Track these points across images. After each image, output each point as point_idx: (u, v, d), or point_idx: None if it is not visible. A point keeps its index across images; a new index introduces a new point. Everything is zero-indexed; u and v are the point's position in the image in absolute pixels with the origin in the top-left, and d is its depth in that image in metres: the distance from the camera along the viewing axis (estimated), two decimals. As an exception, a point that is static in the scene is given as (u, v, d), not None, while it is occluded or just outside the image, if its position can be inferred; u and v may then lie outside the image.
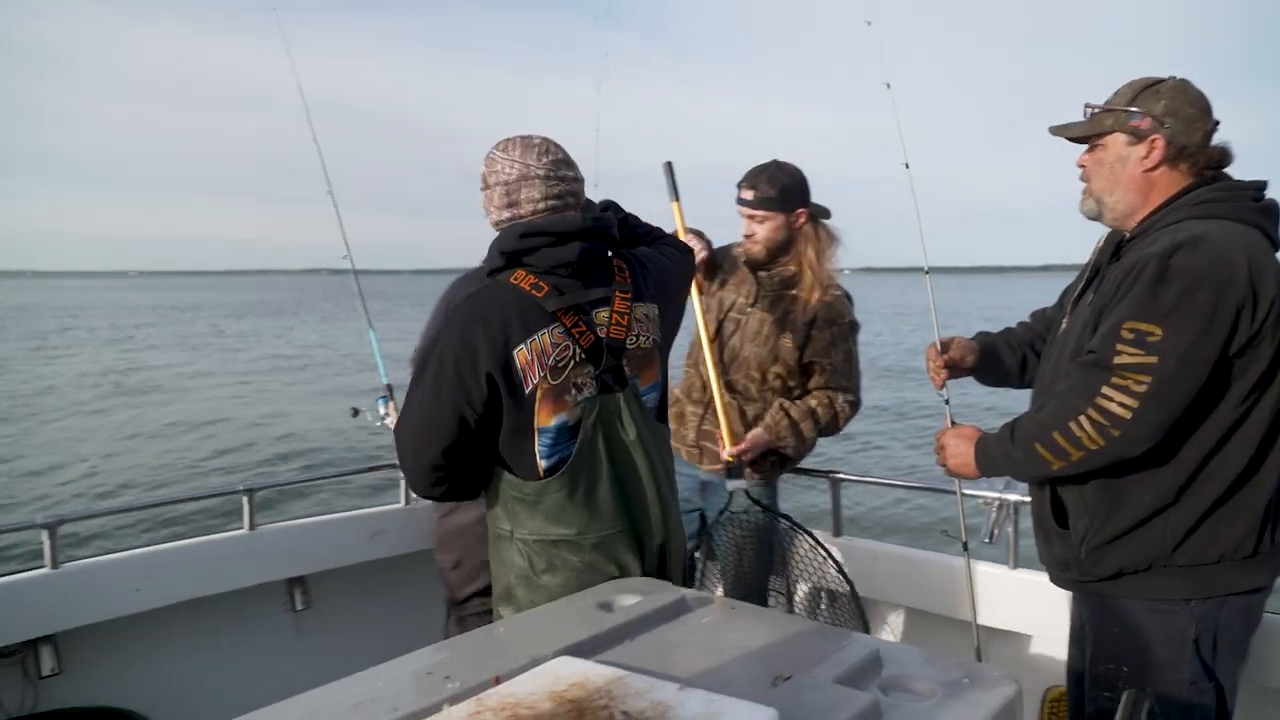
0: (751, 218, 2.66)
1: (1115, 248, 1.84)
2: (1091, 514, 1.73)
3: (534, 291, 1.62)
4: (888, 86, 2.45)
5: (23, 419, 14.58)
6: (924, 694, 1.19)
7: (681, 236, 2.57)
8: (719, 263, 2.81)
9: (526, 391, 1.61)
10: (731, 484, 2.57)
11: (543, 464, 1.66)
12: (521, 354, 1.60)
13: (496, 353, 1.59)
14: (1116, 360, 1.62)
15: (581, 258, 1.64)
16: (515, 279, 1.63)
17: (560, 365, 1.63)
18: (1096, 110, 1.80)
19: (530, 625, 1.44)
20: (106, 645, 2.45)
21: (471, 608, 2.82)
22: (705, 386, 2.66)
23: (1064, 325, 1.90)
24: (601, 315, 1.69)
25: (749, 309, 2.72)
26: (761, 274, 2.72)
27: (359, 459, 9.54)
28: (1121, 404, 1.60)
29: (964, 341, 2.16)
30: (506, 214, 1.67)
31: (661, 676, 1.17)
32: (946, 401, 2.19)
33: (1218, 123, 1.76)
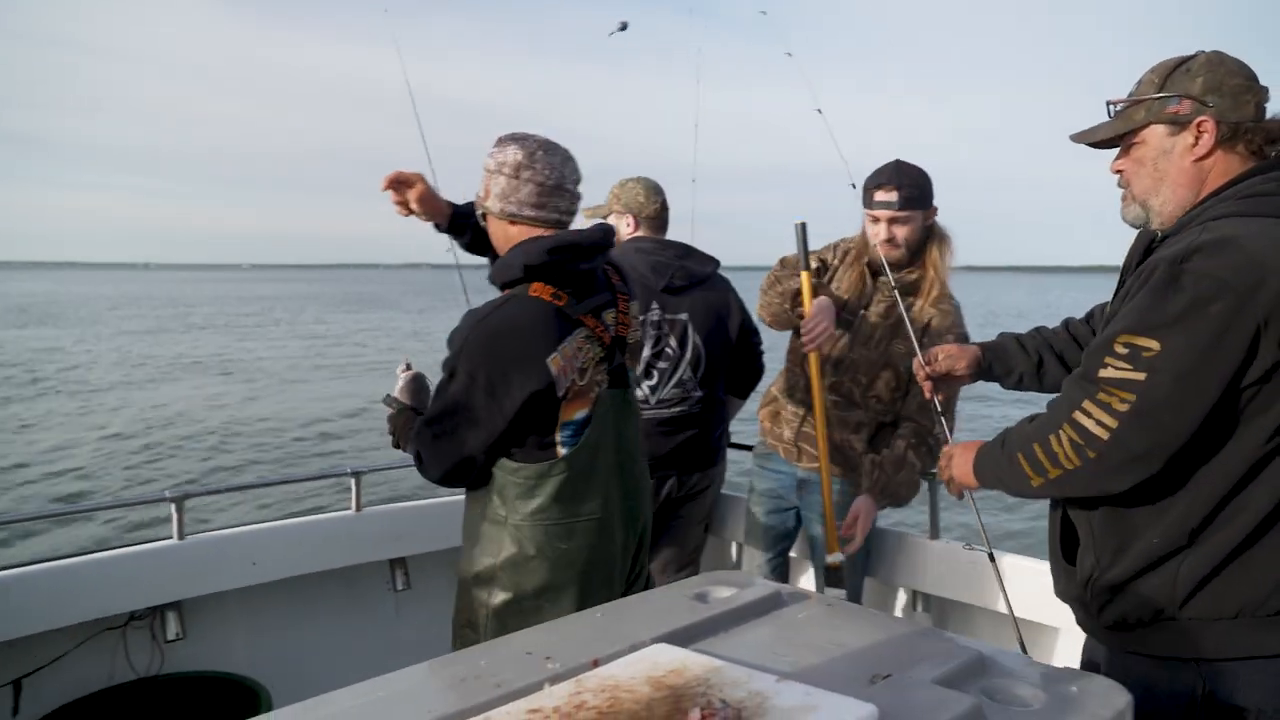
0: (893, 220, 2.51)
1: (1146, 247, 1.62)
2: (1098, 551, 1.55)
3: (555, 301, 1.74)
4: (819, 111, 2.72)
5: (149, 398, 15.61)
6: (1029, 700, 1.16)
7: (808, 307, 2.48)
8: (829, 261, 2.73)
9: (560, 393, 1.74)
10: (830, 558, 2.52)
11: (563, 451, 1.79)
12: (556, 361, 1.72)
13: (535, 364, 1.70)
14: (1101, 374, 1.43)
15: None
16: (535, 291, 1.74)
17: (584, 366, 1.77)
18: (1123, 105, 1.58)
19: (627, 612, 1.46)
20: (224, 614, 2.60)
21: None
22: (809, 388, 2.59)
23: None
24: (609, 316, 1.85)
25: (862, 311, 2.62)
26: (881, 278, 2.59)
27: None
28: (1099, 423, 1.41)
29: (954, 349, 2.03)
30: (530, 212, 1.78)
31: (758, 668, 1.17)
32: (939, 412, 2.16)
33: (1267, 90, 1.50)
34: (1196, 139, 1.51)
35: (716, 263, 2.88)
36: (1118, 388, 1.41)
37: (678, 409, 2.79)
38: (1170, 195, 1.55)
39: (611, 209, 2.96)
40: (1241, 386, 1.38)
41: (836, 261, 2.70)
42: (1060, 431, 1.47)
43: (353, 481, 2.74)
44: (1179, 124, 1.52)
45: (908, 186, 2.49)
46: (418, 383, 2.01)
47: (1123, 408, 1.40)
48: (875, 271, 2.61)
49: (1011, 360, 1.97)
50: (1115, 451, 1.42)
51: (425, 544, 2.91)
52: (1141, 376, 1.39)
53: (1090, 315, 1.94)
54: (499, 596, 1.82)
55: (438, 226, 2.08)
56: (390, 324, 37.28)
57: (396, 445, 1.96)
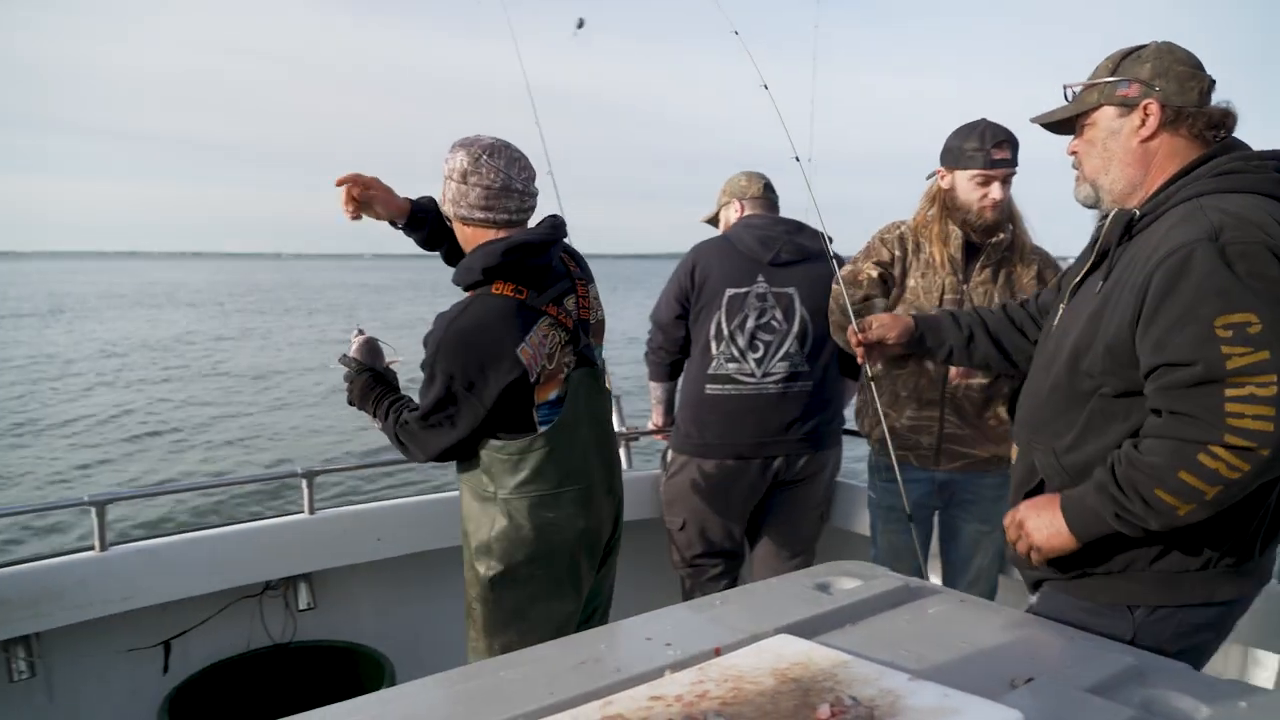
0: (1006, 180, 2.40)
1: (1126, 227, 1.61)
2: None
3: (517, 295, 1.86)
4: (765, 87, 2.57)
5: (285, 381, 16.54)
6: (1192, 715, 1.07)
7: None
8: (893, 256, 2.52)
9: (532, 379, 1.86)
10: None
11: (542, 429, 1.91)
12: (525, 351, 1.84)
13: (506, 357, 1.82)
14: (1229, 365, 1.37)
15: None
16: (497, 289, 1.86)
17: (552, 351, 1.89)
18: (1079, 89, 1.66)
19: (748, 601, 1.43)
20: (351, 587, 2.70)
21: (705, 569, 2.87)
22: (934, 384, 2.45)
23: (1060, 314, 1.69)
24: (569, 301, 1.96)
25: (963, 287, 2.46)
26: (992, 241, 2.45)
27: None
28: (1257, 416, 1.35)
29: (887, 319, 2.08)
30: (480, 214, 1.88)
31: (887, 665, 1.12)
32: (871, 379, 2.36)
33: (1213, 80, 1.58)
34: (1143, 120, 1.59)
35: (829, 239, 2.79)
36: (1252, 373, 1.36)
37: (786, 384, 2.74)
38: (1119, 174, 1.63)
39: (720, 202, 3.01)
40: None
41: (900, 251, 2.52)
42: (1214, 447, 1.39)
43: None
44: (1128, 106, 1.60)
45: (1013, 143, 2.40)
46: (370, 345, 2.11)
47: (1270, 390, 1.35)
48: (973, 238, 2.46)
49: (944, 333, 2.03)
50: None
51: None
52: (1266, 354, 1.36)
53: (1027, 301, 1.99)
54: (494, 568, 1.94)
55: (394, 224, 2.12)
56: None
57: (351, 403, 2.09)
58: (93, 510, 2.24)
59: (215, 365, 18.85)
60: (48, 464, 10.03)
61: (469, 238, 1.93)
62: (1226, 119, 1.58)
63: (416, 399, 1.94)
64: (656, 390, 3.11)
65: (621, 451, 3.15)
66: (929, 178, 2.54)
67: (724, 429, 2.72)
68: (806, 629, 1.28)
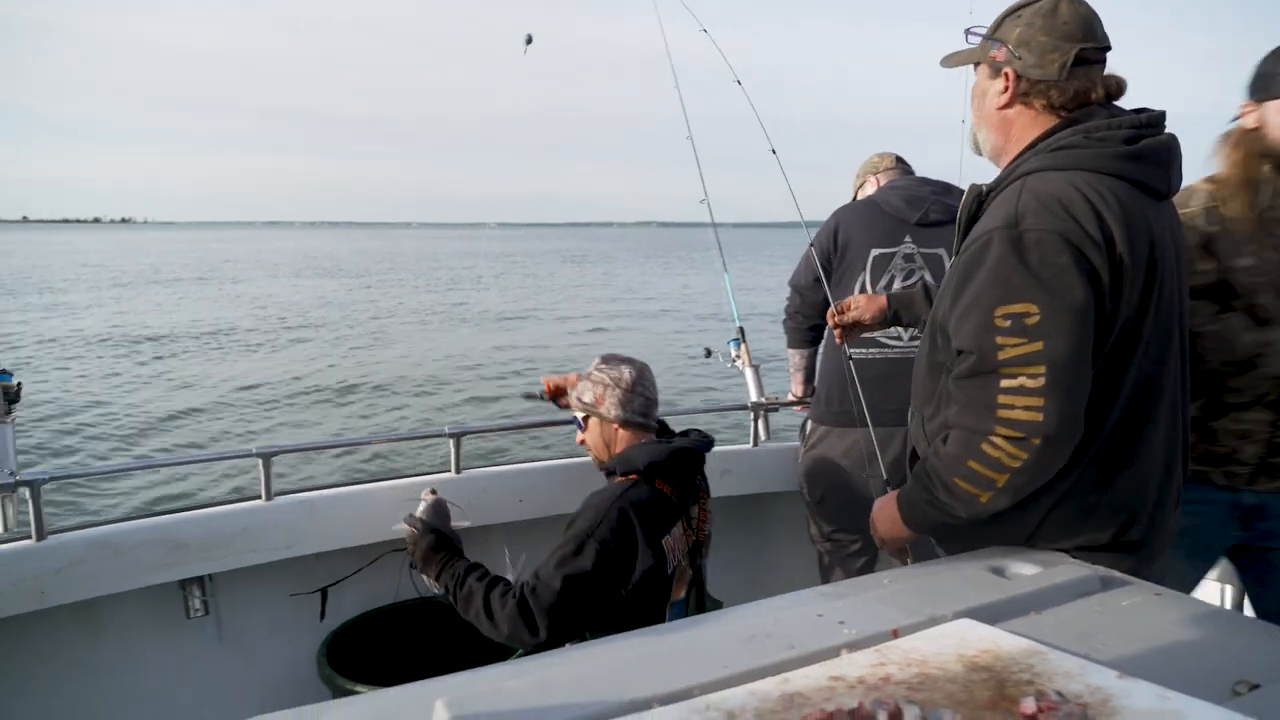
0: None
1: (977, 201, 1.59)
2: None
3: (672, 496, 2.03)
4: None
5: (416, 341, 17.34)
6: None
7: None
8: (1207, 228, 1.98)
9: (669, 571, 1.98)
10: None
11: None
12: (668, 541, 1.98)
13: (654, 543, 1.93)
14: (1001, 356, 1.39)
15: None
16: (660, 485, 2.01)
17: (682, 551, 2.03)
18: (974, 36, 1.62)
19: (919, 582, 1.35)
20: (493, 545, 2.75)
21: (845, 545, 2.80)
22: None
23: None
24: (695, 511, 2.12)
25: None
26: None
27: (711, 398, 10.28)
28: (1027, 407, 1.37)
29: (863, 300, 2.10)
30: (639, 419, 2.14)
31: (1083, 658, 1.03)
32: (849, 358, 2.46)
33: (1086, 49, 1.50)
34: (1004, 88, 1.56)
35: None
36: (1022, 364, 1.38)
37: None
38: (986, 136, 1.62)
39: (855, 185, 3.04)
40: (1103, 317, 1.41)
41: (1214, 226, 1.98)
42: (991, 436, 1.41)
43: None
44: (995, 70, 1.58)
45: None
46: (439, 506, 2.19)
47: (1039, 382, 1.37)
48: None
49: (917, 309, 2.04)
50: (1057, 427, 1.37)
51: None
52: (1039, 346, 1.37)
53: None
54: None
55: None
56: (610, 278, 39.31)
57: (413, 565, 2.14)
58: (259, 462, 2.36)
59: (374, 332, 19.77)
60: (211, 420, 10.84)
61: (621, 436, 2.14)
62: (1092, 92, 1.51)
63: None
64: (795, 358, 3.04)
65: (759, 424, 3.10)
66: (1232, 122, 2.01)
67: (868, 395, 2.62)
68: (987, 615, 1.19)
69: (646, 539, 1.91)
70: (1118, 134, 1.47)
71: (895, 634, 1.13)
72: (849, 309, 2.11)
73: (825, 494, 2.80)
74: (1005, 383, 1.39)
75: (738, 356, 3.25)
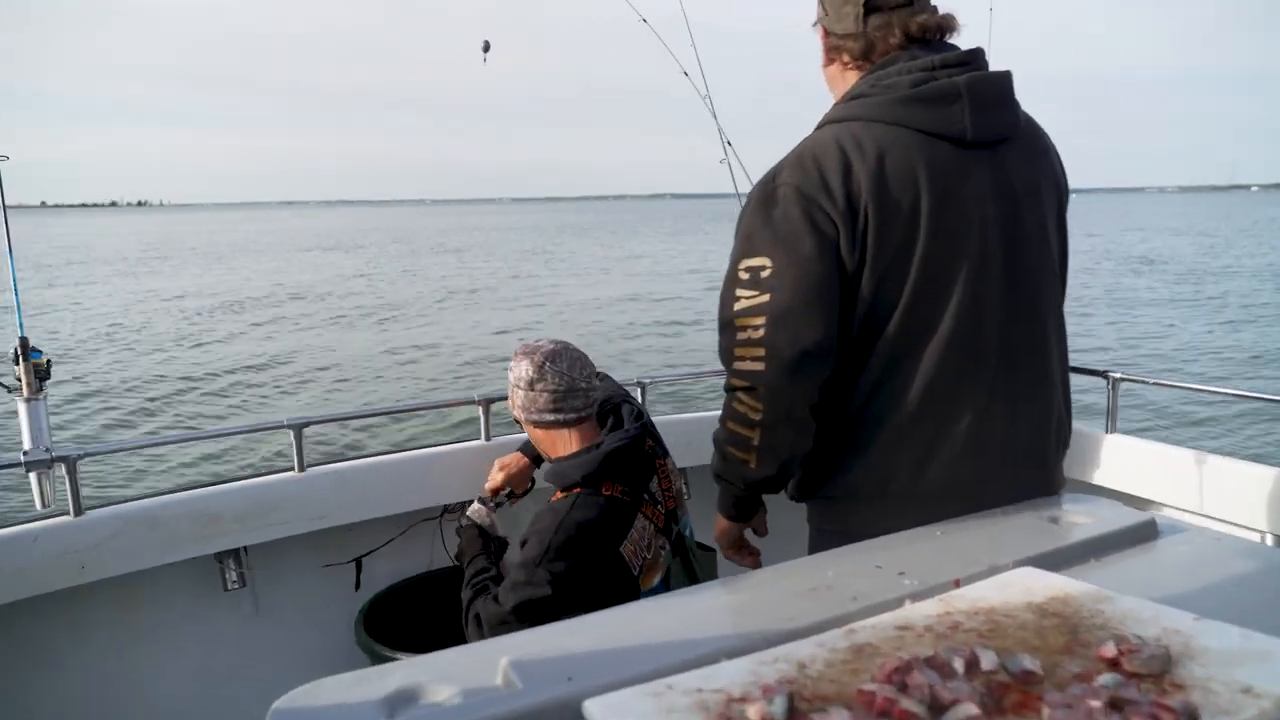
0: None
1: None
2: None
3: (623, 496, 1.88)
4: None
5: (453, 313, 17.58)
6: None
7: None
8: None
9: (635, 573, 1.88)
10: None
11: None
12: (627, 547, 1.86)
13: (611, 556, 1.83)
14: (736, 308, 1.41)
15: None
16: (607, 490, 1.87)
17: (649, 542, 1.92)
18: None
19: (975, 532, 1.32)
20: (522, 512, 2.74)
21: None
22: None
23: None
24: (654, 487, 1.99)
25: None
26: None
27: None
28: (753, 358, 1.40)
29: None
30: (550, 417, 1.94)
31: (1153, 602, 1.00)
32: None
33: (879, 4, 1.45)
34: (823, 48, 1.57)
35: None
36: (749, 315, 1.40)
37: None
38: (833, 98, 1.56)
39: None
40: (846, 274, 1.40)
41: None
42: (735, 391, 1.44)
43: (636, 390, 2.76)
44: (818, 29, 1.57)
45: None
46: (489, 517, 2.19)
47: (760, 332, 1.39)
48: None
49: None
50: (777, 375, 1.39)
51: (707, 457, 2.91)
52: (767, 297, 1.38)
53: None
54: None
55: (536, 461, 2.30)
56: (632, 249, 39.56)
57: (457, 559, 2.15)
58: (291, 432, 2.35)
59: (390, 303, 20.18)
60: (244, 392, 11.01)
61: (539, 437, 2.01)
62: (889, 38, 1.45)
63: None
64: None
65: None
66: None
67: None
68: (1046, 563, 1.16)
69: (601, 556, 1.81)
70: (905, 79, 1.42)
71: (957, 584, 1.10)
72: None
73: None
74: (739, 335, 1.41)
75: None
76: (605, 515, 1.85)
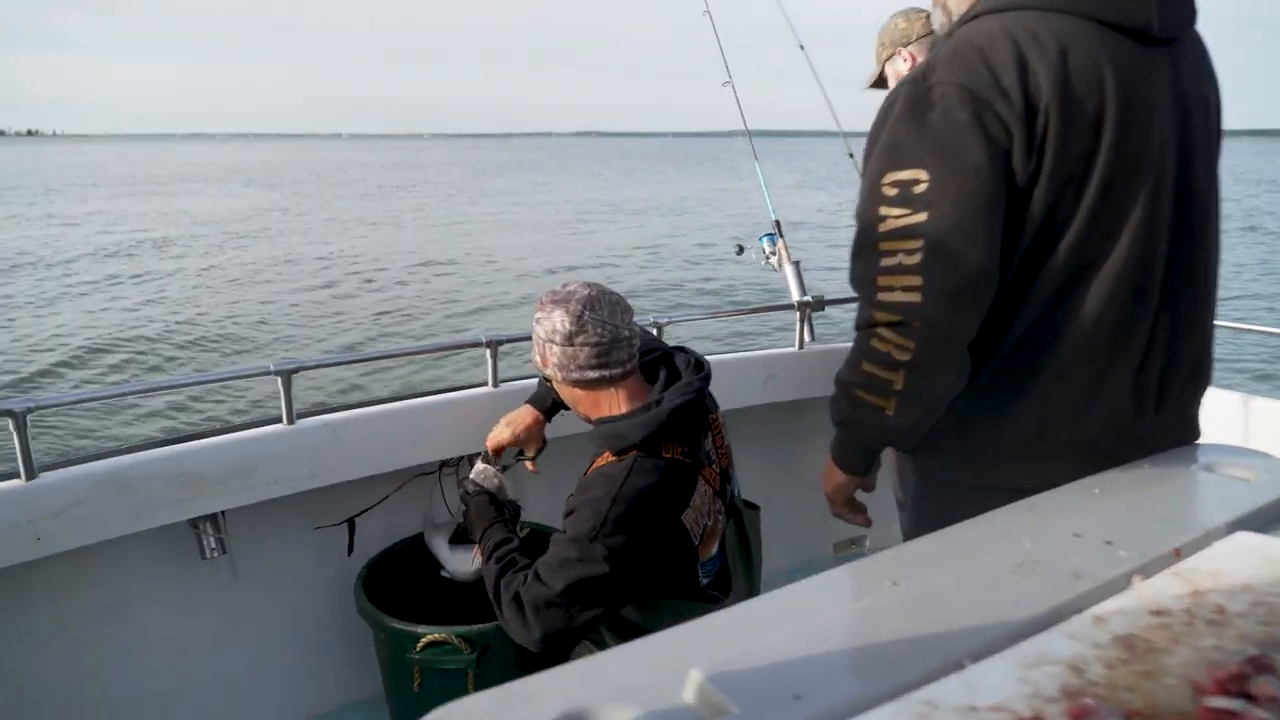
0: None
1: None
2: None
3: (685, 459, 1.67)
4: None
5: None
6: None
7: None
8: None
9: (695, 543, 1.69)
10: None
11: (704, 581, 1.75)
12: (688, 515, 1.67)
13: (673, 525, 1.64)
14: (881, 229, 1.21)
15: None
16: (668, 452, 1.65)
17: (706, 508, 1.72)
18: None
19: (1146, 489, 1.15)
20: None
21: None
22: None
23: None
24: (708, 444, 1.78)
25: None
26: None
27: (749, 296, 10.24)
28: (906, 287, 1.20)
29: None
30: (593, 374, 1.69)
31: None
32: None
33: None
34: None
35: None
36: (899, 238, 1.20)
37: None
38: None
39: (880, 59, 2.50)
40: (1017, 189, 1.21)
41: None
42: (876, 328, 1.24)
43: (653, 330, 2.55)
44: None
45: None
46: (496, 478, 1.97)
47: (914, 257, 1.19)
48: None
49: None
50: (936, 307, 1.20)
51: (723, 400, 2.74)
52: (923, 216, 1.18)
53: None
54: None
55: (548, 415, 2.06)
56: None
57: (465, 527, 1.93)
58: (278, 380, 2.07)
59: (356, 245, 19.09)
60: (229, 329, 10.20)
61: (580, 398, 1.76)
62: None
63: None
64: None
65: (804, 325, 2.88)
66: None
67: None
68: (1253, 524, 1.01)
69: (662, 526, 1.62)
70: None
71: (1178, 554, 0.93)
72: None
73: None
74: (884, 261, 1.21)
75: (773, 253, 3.01)
76: (666, 481, 1.63)
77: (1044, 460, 1.29)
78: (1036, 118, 1.18)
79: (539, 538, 2.24)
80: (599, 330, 1.66)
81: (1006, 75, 1.17)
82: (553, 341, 1.69)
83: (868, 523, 1.59)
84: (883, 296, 1.22)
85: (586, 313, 1.66)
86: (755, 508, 1.95)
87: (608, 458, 1.67)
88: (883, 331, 1.24)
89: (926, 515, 1.41)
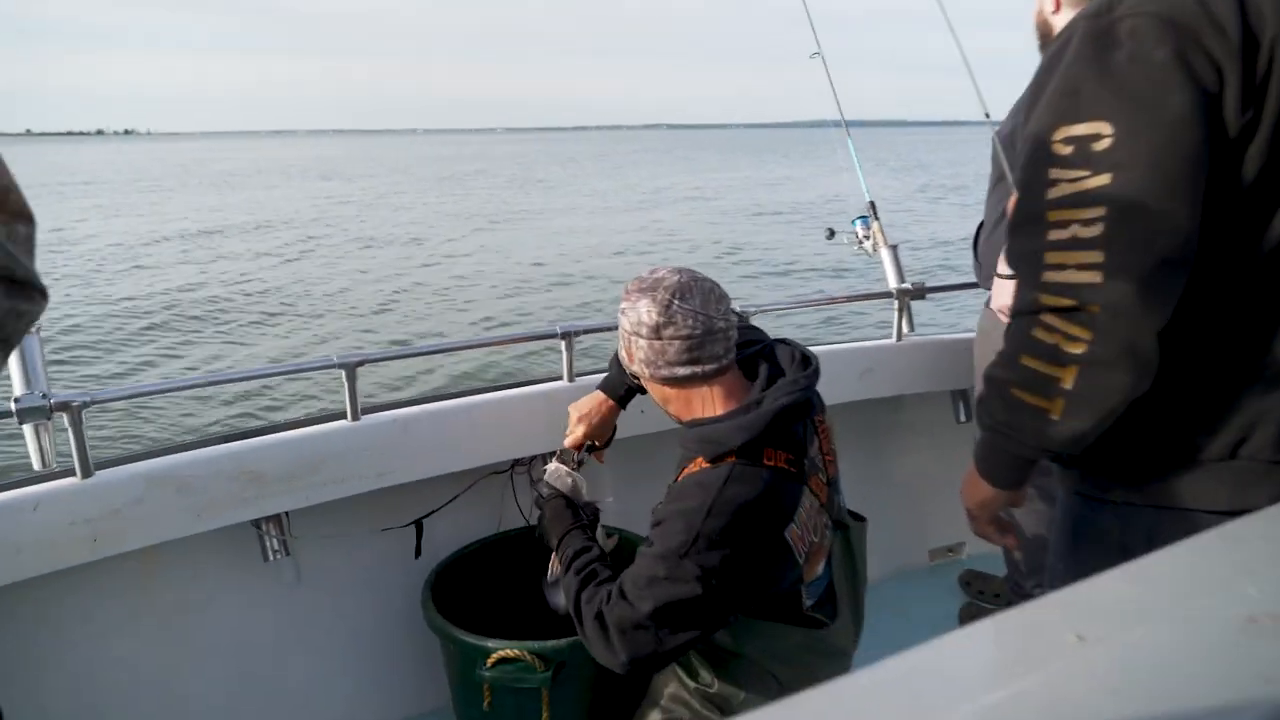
0: None
1: None
2: None
3: (789, 467, 1.47)
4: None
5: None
6: None
7: None
8: None
9: (799, 561, 1.48)
10: None
11: (808, 603, 1.58)
12: (793, 531, 1.47)
13: (776, 543, 1.43)
14: (1050, 195, 0.99)
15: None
16: (770, 459, 1.46)
17: (813, 523, 1.52)
18: None
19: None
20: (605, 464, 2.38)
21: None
22: None
23: None
24: (813, 451, 1.57)
25: None
26: None
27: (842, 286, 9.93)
28: (1080, 265, 0.97)
29: None
30: (684, 370, 1.50)
31: None
32: None
33: None
34: None
35: None
36: (1075, 206, 0.98)
37: None
38: None
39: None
40: (1227, 139, 0.97)
41: None
42: (1041, 314, 1.01)
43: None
44: None
45: None
46: (571, 478, 1.79)
47: (1094, 229, 0.97)
48: None
49: None
50: (1119, 287, 0.96)
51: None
52: (1106, 179, 0.96)
53: None
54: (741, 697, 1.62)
55: (622, 402, 1.87)
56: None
57: (539, 537, 1.74)
58: (343, 373, 1.95)
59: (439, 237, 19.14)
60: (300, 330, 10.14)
61: (671, 397, 1.57)
62: None
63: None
64: None
65: (903, 315, 2.65)
66: None
67: None
68: None
69: (763, 543, 1.43)
70: None
71: None
72: None
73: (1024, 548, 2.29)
74: (1054, 234, 0.99)
75: (867, 236, 2.78)
76: (770, 492, 1.43)
77: (1242, 480, 1.06)
78: (1258, 54, 0.95)
79: (630, 549, 2.09)
80: (690, 321, 1.47)
81: (1219, 2, 0.96)
82: (638, 334, 1.51)
83: (1016, 544, 1.37)
84: (1051, 276, 1.00)
85: (676, 302, 1.47)
86: (861, 519, 1.75)
87: (701, 464, 1.48)
88: (1049, 319, 1.01)
89: (1086, 538, 1.19)
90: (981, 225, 2.26)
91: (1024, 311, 1.05)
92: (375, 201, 28.10)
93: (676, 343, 1.48)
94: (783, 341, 1.66)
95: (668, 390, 1.56)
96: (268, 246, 17.34)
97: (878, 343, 2.60)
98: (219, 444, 1.85)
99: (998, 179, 2.14)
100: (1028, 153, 1.04)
